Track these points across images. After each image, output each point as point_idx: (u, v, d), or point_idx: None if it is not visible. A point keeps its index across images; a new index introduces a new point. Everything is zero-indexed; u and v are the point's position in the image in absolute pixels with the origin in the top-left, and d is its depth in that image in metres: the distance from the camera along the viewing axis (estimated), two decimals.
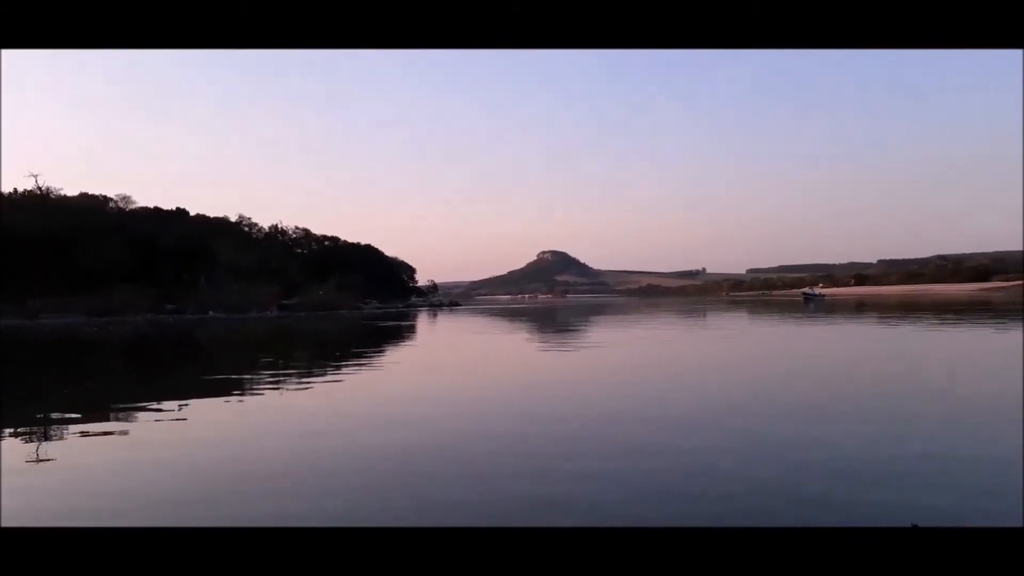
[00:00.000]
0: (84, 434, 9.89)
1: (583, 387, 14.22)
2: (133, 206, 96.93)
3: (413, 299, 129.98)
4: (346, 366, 19.65)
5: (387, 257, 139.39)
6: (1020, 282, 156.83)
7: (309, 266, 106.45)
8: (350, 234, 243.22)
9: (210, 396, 13.57)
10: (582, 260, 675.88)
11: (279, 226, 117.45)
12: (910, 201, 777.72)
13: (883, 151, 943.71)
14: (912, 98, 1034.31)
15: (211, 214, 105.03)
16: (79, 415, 11.53)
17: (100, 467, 7.84)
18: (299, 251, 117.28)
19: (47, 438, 9.78)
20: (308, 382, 15.70)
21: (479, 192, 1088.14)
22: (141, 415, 11.60)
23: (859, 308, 62.10)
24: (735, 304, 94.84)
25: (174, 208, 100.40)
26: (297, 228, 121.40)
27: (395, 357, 23.81)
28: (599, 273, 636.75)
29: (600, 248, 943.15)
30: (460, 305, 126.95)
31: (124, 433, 9.95)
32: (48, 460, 8.19)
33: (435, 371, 18.58)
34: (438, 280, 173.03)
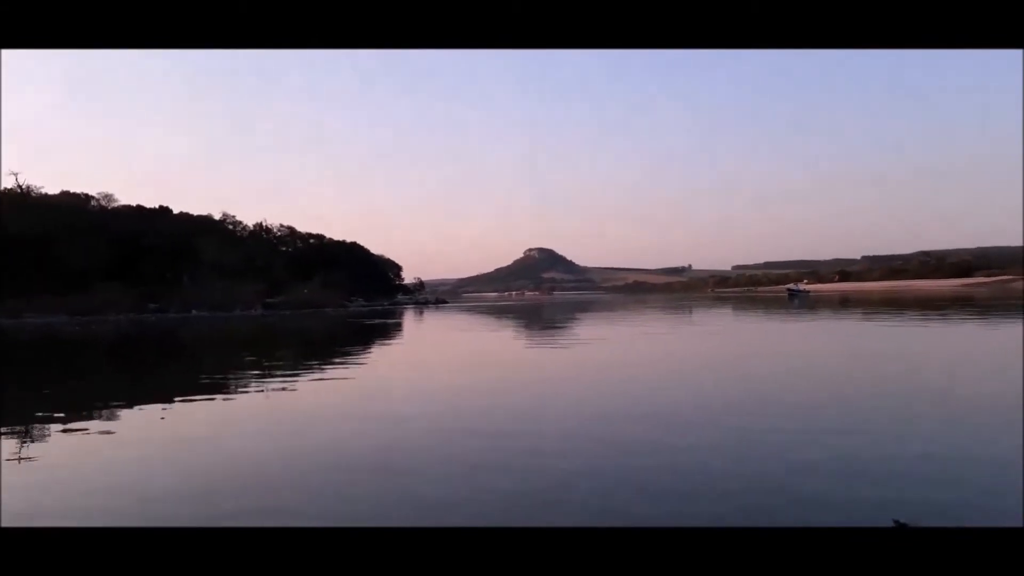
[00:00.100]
0: (67, 431, 9.81)
1: (570, 385, 14.24)
2: (115, 204, 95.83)
3: (399, 297, 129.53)
4: (331, 365, 19.53)
5: (373, 255, 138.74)
6: (1002, 278, 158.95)
7: (294, 264, 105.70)
8: (336, 232, 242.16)
9: (194, 395, 13.45)
10: (569, 257, 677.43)
11: (264, 224, 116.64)
12: (896, 199, 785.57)
13: (871, 150, 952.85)
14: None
15: (195, 212, 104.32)
16: (61, 414, 11.39)
17: (84, 465, 7.75)
18: (284, 249, 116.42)
19: (29, 437, 9.68)
20: (293, 381, 15.59)
21: (466, 190, 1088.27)
22: (123, 414, 11.50)
23: (843, 304, 62.58)
24: (720, 300, 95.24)
25: (157, 206, 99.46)
26: (282, 226, 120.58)
27: (381, 355, 23.71)
28: (585, 270, 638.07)
29: (586, 245, 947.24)
30: (447, 303, 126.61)
31: (107, 432, 9.85)
32: (29, 459, 8.12)
33: (422, 369, 18.52)
34: (425, 278, 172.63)
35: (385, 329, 42.71)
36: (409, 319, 57.72)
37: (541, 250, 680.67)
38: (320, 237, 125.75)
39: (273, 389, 14.16)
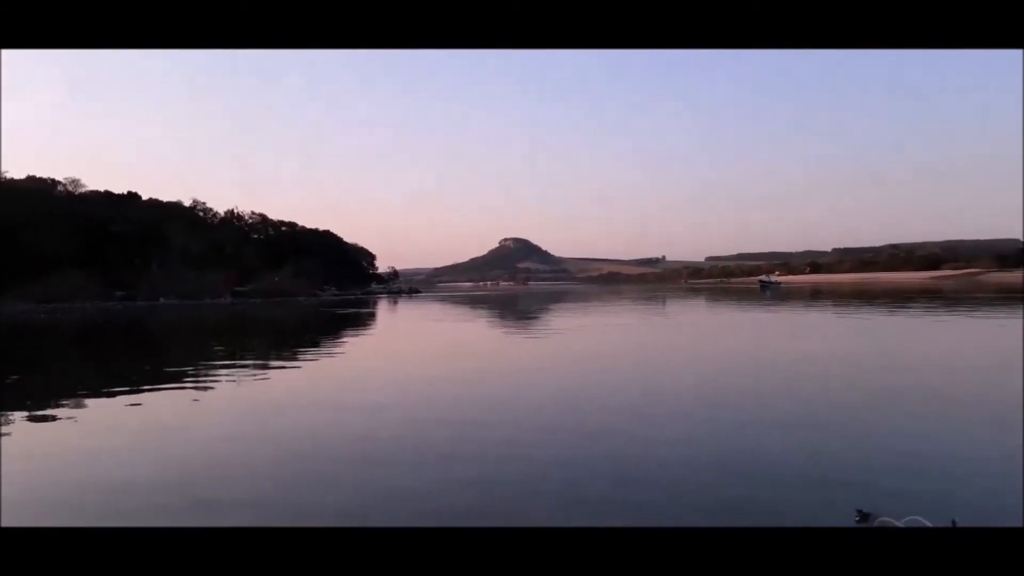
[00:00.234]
0: (32, 420, 9.70)
1: (544, 375, 14.15)
2: (83, 190, 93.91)
3: (373, 286, 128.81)
4: (299, 356, 19.30)
5: (346, 243, 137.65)
6: (969, 270, 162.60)
7: (265, 252, 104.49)
8: (309, 220, 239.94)
9: (159, 385, 13.14)
10: (544, 247, 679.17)
11: (235, 211, 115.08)
12: (889, 196, 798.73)
13: (857, 149, 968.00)
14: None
15: (164, 198, 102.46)
16: (27, 404, 11.20)
17: (50, 457, 7.48)
18: (255, 237, 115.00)
19: None
20: (258, 373, 15.35)
21: (442, 180, 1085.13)
22: (90, 403, 11.32)
23: (814, 296, 63.39)
24: (694, 292, 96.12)
25: (125, 192, 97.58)
26: (253, 213, 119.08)
27: (353, 346, 23.45)
28: (561, 260, 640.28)
29: (562, 236, 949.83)
30: (420, 292, 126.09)
31: (72, 419, 9.72)
32: None
33: (394, 360, 18.31)
34: (399, 267, 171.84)
35: (357, 319, 42.37)
36: (382, 309, 57.34)
37: (516, 240, 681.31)
38: (292, 225, 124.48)
39: (240, 380, 13.93)
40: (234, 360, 18.50)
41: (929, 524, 3.17)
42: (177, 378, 14.27)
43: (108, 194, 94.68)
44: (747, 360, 16.09)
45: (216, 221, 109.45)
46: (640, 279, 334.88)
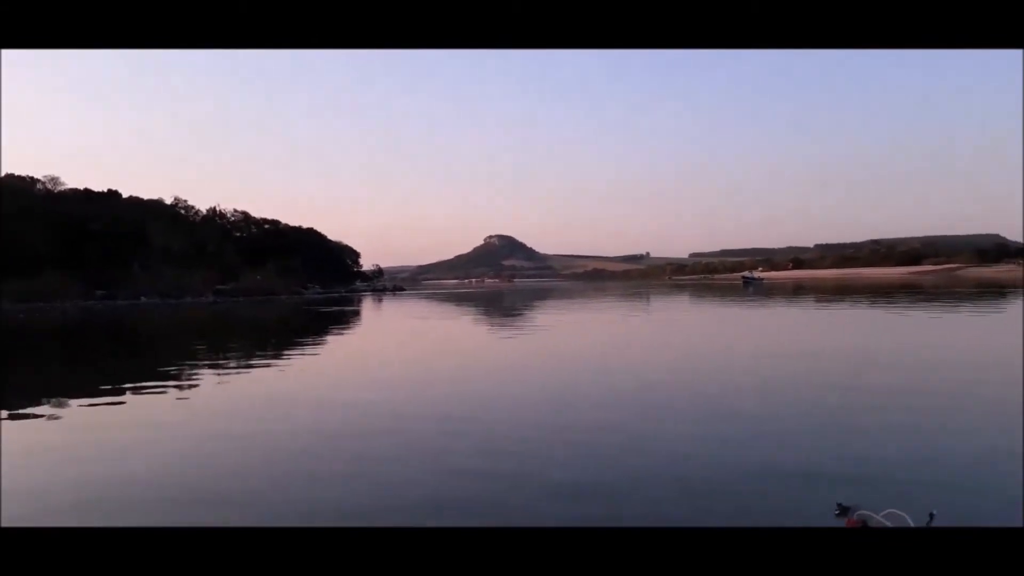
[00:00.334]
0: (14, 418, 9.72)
1: (530, 373, 14.10)
2: (62, 187, 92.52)
3: (357, 284, 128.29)
4: (278, 357, 19.09)
5: (330, 241, 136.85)
6: (949, 266, 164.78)
7: (248, 250, 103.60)
8: (293, 218, 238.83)
9: (142, 385, 12.92)
10: (529, 244, 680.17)
11: (217, 209, 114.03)
12: (847, 188, 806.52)
13: (830, 145, 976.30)
14: (894, 97, 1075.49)
15: (145, 196, 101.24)
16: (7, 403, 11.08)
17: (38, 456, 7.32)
18: (238, 235, 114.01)
19: None
20: (247, 371, 15.14)
21: (427, 178, 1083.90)
22: (73, 403, 11.25)
23: (797, 291, 63.84)
24: (678, 288, 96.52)
25: (105, 190, 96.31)
26: (236, 211, 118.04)
27: (333, 345, 23.27)
28: (546, 257, 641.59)
29: (546, 232, 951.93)
30: (404, 290, 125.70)
31: (56, 418, 9.55)
32: None
33: (377, 359, 18.17)
34: (384, 265, 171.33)
35: (340, 318, 42.13)
36: (366, 307, 57.07)
37: (501, 237, 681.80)
38: (275, 223, 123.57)
39: (221, 379, 13.74)
40: (213, 361, 18.26)
41: (907, 516, 3.15)
42: (160, 378, 14.04)
43: (88, 192, 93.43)
44: (717, 357, 16.09)
45: (198, 219, 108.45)
46: (624, 276, 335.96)
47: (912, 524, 3.16)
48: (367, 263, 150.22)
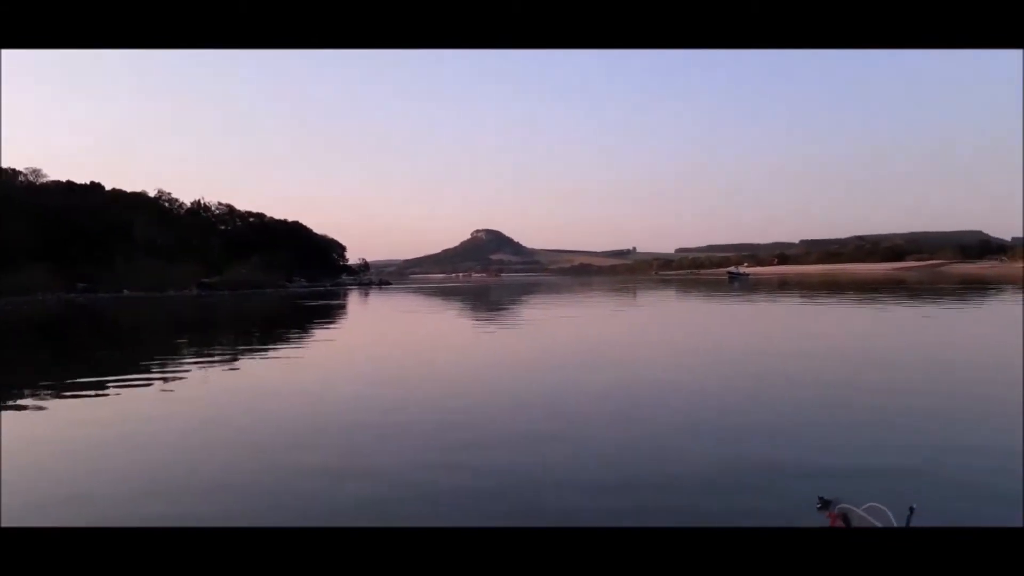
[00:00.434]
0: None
1: (514, 370, 14.01)
2: (44, 180, 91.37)
3: (343, 278, 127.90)
4: (259, 352, 18.89)
5: (316, 234, 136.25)
6: (932, 262, 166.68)
7: (233, 243, 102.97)
8: (278, 212, 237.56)
9: (123, 378, 12.61)
10: (516, 239, 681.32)
11: (201, 202, 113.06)
12: (835, 185, 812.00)
13: (816, 143, 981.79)
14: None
15: (129, 189, 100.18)
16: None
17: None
18: (222, 228, 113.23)
19: None
20: (232, 365, 14.94)
21: (415, 172, 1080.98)
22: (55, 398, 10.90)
23: (782, 287, 64.15)
24: (664, 283, 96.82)
25: (88, 182, 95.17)
26: (220, 204, 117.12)
27: (318, 342, 23.06)
28: (533, 252, 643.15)
29: (534, 227, 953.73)
30: (391, 284, 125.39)
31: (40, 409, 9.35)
32: None
33: (359, 355, 18.05)
34: (370, 258, 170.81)
35: (325, 312, 41.86)
36: (352, 301, 56.80)
37: (489, 231, 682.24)
38: (260, 216, 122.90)
39: (204, 374, 13.52)
40: (197, 356, 18.02)
41: (888, 510, 3.18)
42: (143, 372, 13.84)
43: (70, 184, 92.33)
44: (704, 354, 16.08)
45: (182, 212, 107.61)
46: (611, 271, 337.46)
47: (892, 517, 3.19)
48: (353, 257, 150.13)
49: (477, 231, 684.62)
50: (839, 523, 3.40)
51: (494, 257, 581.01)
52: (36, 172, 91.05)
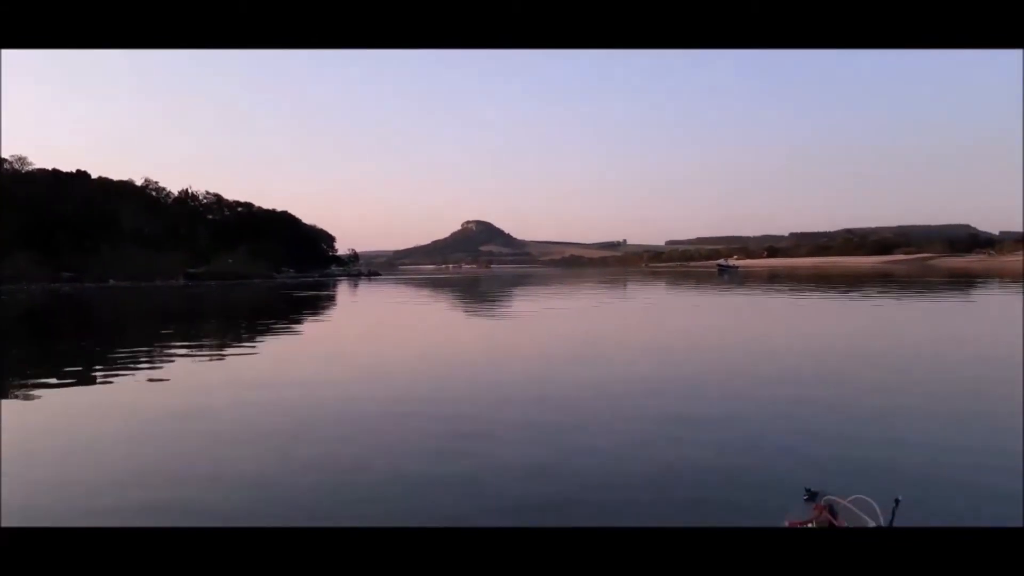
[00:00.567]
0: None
1: (502, 364, 13.99)
2: (29, 168, 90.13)
3: (332, 268, 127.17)
4: (251, 342, 18.79)
5: (305, 225, 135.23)
6: (920, 255, 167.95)
7: (220, 233, 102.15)
8: (267, 202, 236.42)
9: (106, 370, 12.49)
10: (506, 231, 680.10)
11: (189, 191, 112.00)
12: (822, 179, 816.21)
13: (806, 136, 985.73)
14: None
15: (115, 177, 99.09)
16: None
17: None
18: (210, 217, 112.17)
19: None
20: (219, 357, 14.84)
21: (405, 163, 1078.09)
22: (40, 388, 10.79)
23: (771, 279, 64.40)
24: (654, 275, 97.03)
25: (74, 171, 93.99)
26: (208, 193, 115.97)
27: (303, 337, 22.97)
28: (523, 244, 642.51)
29: (524, 219, 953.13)
30: (380, 275, 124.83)
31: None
32: None
33: (348, 351, 17.99)
34: (360, 249, 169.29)
35: (312, 303, 41.73)
36: (341, 292, 56.61)
37: (479, 223, 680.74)
38: (249, 205, 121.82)
39: (191, 370, 13.42)
40: (182, 347, 17.88)
41: (873, 502, 3.25)
42: (126, 365, 13.72)
43: (55, 172, 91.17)
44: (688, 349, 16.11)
45: (170, 201, 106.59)
46: (602, 263, 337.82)
47: (878, 508, 3.24)
48: (342, 247, 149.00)
49: (467, 222, 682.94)
50: (826, 514, 3.41)
51: (484, 248, 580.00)
52: (21, 160, 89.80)
